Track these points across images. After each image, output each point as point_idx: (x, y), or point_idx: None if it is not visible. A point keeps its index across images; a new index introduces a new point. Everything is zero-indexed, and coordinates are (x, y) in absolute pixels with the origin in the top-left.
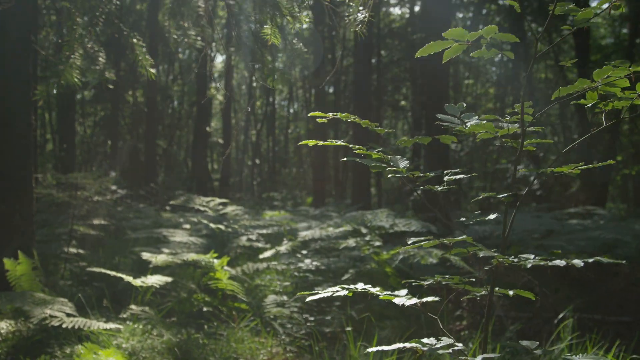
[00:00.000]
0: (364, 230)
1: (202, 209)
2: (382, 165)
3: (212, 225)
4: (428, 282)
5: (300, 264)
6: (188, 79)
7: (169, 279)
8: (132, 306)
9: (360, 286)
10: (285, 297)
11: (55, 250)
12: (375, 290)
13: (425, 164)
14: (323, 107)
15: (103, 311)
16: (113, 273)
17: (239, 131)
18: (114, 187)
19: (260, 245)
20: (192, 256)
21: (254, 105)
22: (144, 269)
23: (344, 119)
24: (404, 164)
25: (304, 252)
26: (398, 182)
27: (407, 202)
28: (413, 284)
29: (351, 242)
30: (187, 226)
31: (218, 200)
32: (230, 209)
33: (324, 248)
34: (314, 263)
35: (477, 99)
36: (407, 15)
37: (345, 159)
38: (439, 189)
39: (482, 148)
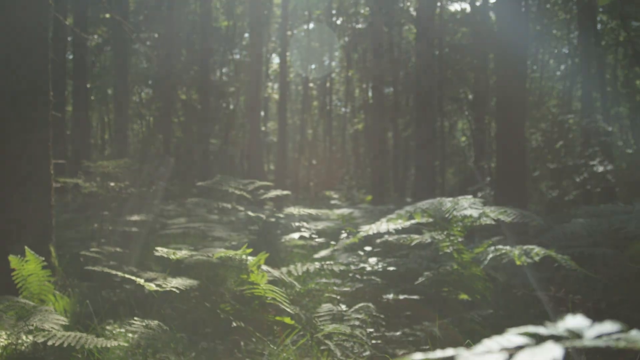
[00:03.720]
0: (442, 223)
1: (237, 192)
2: None
3: (250, 213)
4: None
5: (363, 265)
6: (243, 79)
7: (195, 282)
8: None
9: None
10: (343, 307)
11: (86, 248)
12: None
13: (499, 160)
14: (381, 103)
15: (123, 320)
16: (120, 274)
17: (294, 131)
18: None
19: (315, 242)
20: (219, 252)
21: (310, 105)
22: (178, 269)
23: None
24: None
25: (368, 248)
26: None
27: None
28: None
29: (426, 236)
30: (234, 218)
31: (259, 183)
32: (274, 194)
33: (390, 245)
34: (381, 263)
35: (540, 96)
36: (468, 10)
37: None
38: None
39: (548, 146)
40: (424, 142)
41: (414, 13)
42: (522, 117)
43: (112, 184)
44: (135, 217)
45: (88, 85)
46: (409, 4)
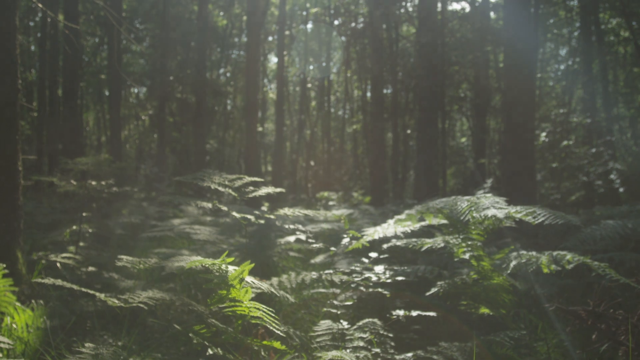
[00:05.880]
0: (459, 225)
1: (222, 189)
2: None
3: (235, 214)
4: None
5: (368, 274)
6: (240, 79)
7: (167, 296)
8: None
9: None
10: (345, 324)
11: (60, 253)
12: None
13: (505, 160)
14: (380, 103)
15: (94, 339)
16: (76, 287)
17: (292, 132)
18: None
19: (313, 246)
20: (192, 261)
21: (309, 106)
22: (159, 275)
23: None
24: None
25: (373, 255)
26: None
27: None
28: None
29: (439, 240)
30: (230, 219)
31: (248, 179)
32: (265, 191)
33: (397, 249)
34: (389, 272)
35: (540, 97)
36: (468, 9)
37: None
38: None
39: (550, 148)
40: (426, 143)
41: (415, 14)
42: (530, 116)
43: (93, 182)
44: (121, 219)
45: (82, 85)
46: (409, 3)
